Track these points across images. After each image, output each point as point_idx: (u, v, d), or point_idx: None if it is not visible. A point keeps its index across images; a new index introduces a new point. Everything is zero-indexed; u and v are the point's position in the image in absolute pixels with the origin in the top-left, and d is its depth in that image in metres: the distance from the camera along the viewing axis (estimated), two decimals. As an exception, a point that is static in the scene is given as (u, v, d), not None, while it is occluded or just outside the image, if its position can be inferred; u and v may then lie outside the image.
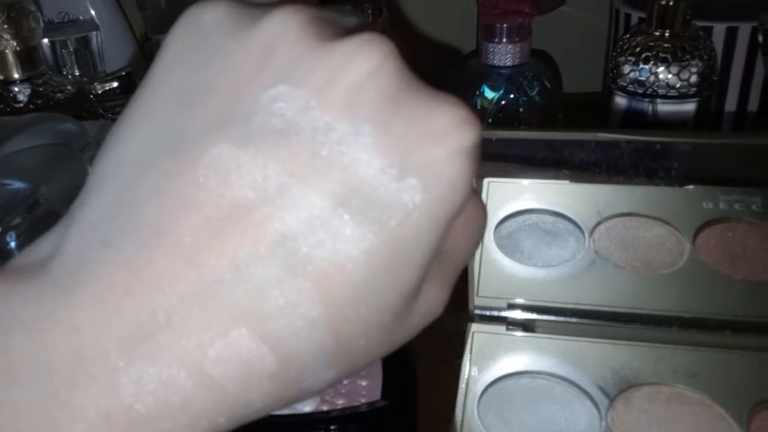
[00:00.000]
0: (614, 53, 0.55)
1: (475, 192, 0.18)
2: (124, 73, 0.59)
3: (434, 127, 0.16)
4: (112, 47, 0.63)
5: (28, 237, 0.34)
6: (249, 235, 0.15)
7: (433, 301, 0.18)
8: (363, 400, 0.38)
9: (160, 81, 0.17)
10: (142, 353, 0.15)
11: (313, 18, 0.16)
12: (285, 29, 0.16)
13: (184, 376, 0.15)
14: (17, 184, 0.35)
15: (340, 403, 0.38)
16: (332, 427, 0.38)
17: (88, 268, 0.15)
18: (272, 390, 0.16)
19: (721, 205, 0.45)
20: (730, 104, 0.60)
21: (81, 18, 0.63)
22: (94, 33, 0.60)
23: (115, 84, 0.59)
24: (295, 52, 0.16)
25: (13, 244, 0.33)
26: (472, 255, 0.19)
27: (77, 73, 0.60)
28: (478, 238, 0.19)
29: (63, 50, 0.58)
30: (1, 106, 0.48)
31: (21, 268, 0.16)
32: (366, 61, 0.16)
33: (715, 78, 0.53)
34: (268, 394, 0.16)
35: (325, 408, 0.38)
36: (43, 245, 0.16)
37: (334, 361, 0.16)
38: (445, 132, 0.16)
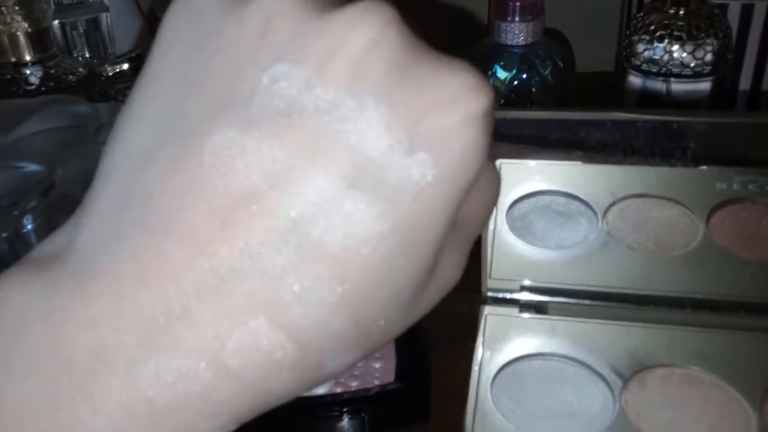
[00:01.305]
0: (628, 32, 0.54)
1: (488, 160, 0.18)
2: (134, 55, 0.59)
3: (442, 94, 0.15)
4: (122, 28, 0.62)
5: (44, 220, 0.34)
6: (259, 223, 0.14)
7: (450, 272, 0.18)
8: (377, 382, 0.39)
9: (159, 66, 0.16)
10: (160, 345, 0.14)
11: None
12: (280, 3, 0.15)
13: (204, 367, 0.15)
14: (32, 167, 0.35)
15: (354, 385, 0.39)
16: (346, 409, 0.38)
17: (101, 261, 0.15)
18: (293, 377, 0.15)
19: (735, 186, 0.45)
20: (745, 83, 0.59)
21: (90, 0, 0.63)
22: (104, 14, 0.60)
23: (126, 66, 0.59)
24: (292, 27, 0.15)
25: (29, 227, 0.34)
26: (486, 223, 0.19)
27: (87, 55, 0.60)
28: (492, 205, 0.19)
29: (73, 32, 0.58)
30: (13, 88, 0.48)
31: (38, 260, 0.16)
32: (367, 30, 0.15)
33: (731, 56, 0.53)
34: (288, 381, 0.15)
35: (338, 390, 0.38)
36: (60, 236, 0.16)
37: (354, 344, 0.16)
38: (454, 99, 0.15)
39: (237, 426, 0.16)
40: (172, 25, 0.17)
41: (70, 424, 0.14)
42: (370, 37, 0.15)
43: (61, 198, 0.35)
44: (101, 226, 0.15)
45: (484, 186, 0.17)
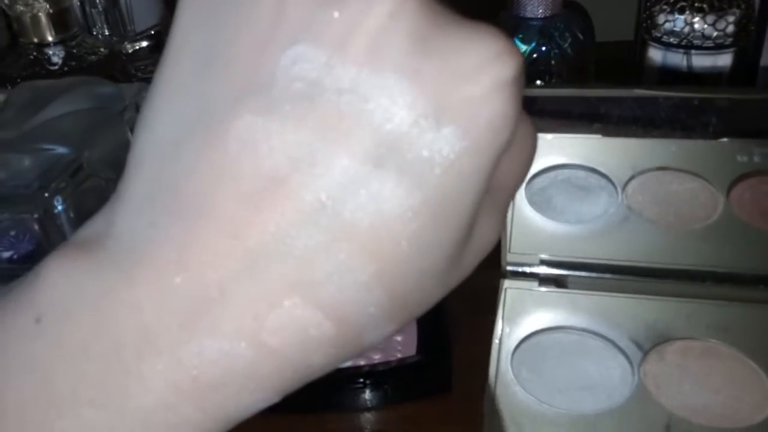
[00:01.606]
0: (648, 3, 0.54)
1: (523, 117, 0.17)
2: (153, 33, 0.59)
3: (466, 64, 0.15)
4: (140, 6, 0.63)
5: (73, 201, 0.35)
6: (288, 206, 0.15)
7: (486, 237, 0.17)
8: (399, 355, 0.40)
9: (177, 52, 0.16)
10: (201, 327, 0.15)
11: None
12: None
13: (244, 346, 0.15)
14: (60, 149, 0.36)
15: (377, 357, 0.40)
16: (369, 381, 0.39)
17: (140, 248, 0.15)
18: (332, 352, 0.16)
19: (756, 159, 0.45)
20: (766, 56, 0.58)
21: (108, -24, 0.63)
22: (123, -8, 0.60)
23: (145, 43, 0.59)
24: (308, 6, 0.15)
25: (60, 208, 0.34)
26: (522, 182, 0.18)
27: (107, 33, 0.60)
28: (528, 166, 0.18)
29: (92, 10, 0.59)
30: (37, 68, 0.49)
31: (79, 245, 0.16)
32: (384, 4, 0.14)
33: (753, 28, 0.52)
34: (328, 356, 0.16)
35: (362, 363, 0.39)
36: (97, 222, 0.17)
37: (392, 316, 0.16)
38: (479, 68, 0.15)
39: (281, 398, 0.16)
40: (188, 11, 0.16)
41: (121, 401, 0.15)
42: (388, 10, 0.14)
43: (89, 179, 0.36)
44: (136, 214, 0.16)
45: (519, 148, 0.17)
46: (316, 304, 0.15)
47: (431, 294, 0.17)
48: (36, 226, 0.34)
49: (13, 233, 0.36)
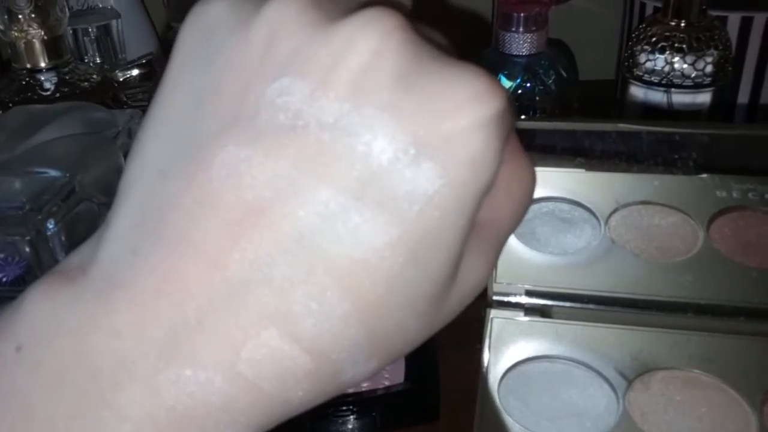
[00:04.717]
0: (630, 43, 0.55)
1: (519, 154, 0.17)
2: (144, 61, 0.60)
3: (447, 102, 0.15)
4: (132, 35, 0.63)
5: (66, 224, 0.35)
6: (267, 236, 0.15)
7: (474, 277, 0.17)
8: (386, 383, 0.40)
9: (172, 85, 0.17)
10: (178, 356, 0.15)
11: (311, 1, 0.15)
12: (283, 18, 0.15)
13: (221, 377, 0.15)
14: (53, 173, 0.36)
15: (364, 385, 0.40)
16: (356, 409, 0.39)
17: (121, 275, 0.15)
18: (309, 387, 0.16)
19: (735, 194, 0.46)
20: (744, 93, 0.60)
21: (101, 6, 0.63)
22: (115, 21, 0.61)
23: (135, 72, 0.60)
24: (296, 41, 0.15)
25: (52, 231, 0.34)
26: (518, 222, 0.18)
27: (98, 61, 0.60)
28: (522, 205, 0.18)
29: (85, 38, 0.59)
30: (29, 93, 0.49)
31: (64, 273, 0.16)
32: (368, 42, 0.15)
33: (730, 68, 0.54)
34: (305, 391, 0.16)
35: (349, 390, 0.39)
36: (85, 250, 0.17)
37: (373, 354, 0.16)
38: (460, 106, 0.15)
39: None
40: (185, 44, 0.17)
41: (98, 429, 0.15)
42: (372, 48, 0.15)
43: (81, 203, 0.36)
44: (120, 241, 0.16)
45: (510, 186, 0.17)
46: (292, 337, 0.15)
47: (413, 334, 0.16)
48: (27, 249, 0.34)
49: (2, 255, 0.36)
